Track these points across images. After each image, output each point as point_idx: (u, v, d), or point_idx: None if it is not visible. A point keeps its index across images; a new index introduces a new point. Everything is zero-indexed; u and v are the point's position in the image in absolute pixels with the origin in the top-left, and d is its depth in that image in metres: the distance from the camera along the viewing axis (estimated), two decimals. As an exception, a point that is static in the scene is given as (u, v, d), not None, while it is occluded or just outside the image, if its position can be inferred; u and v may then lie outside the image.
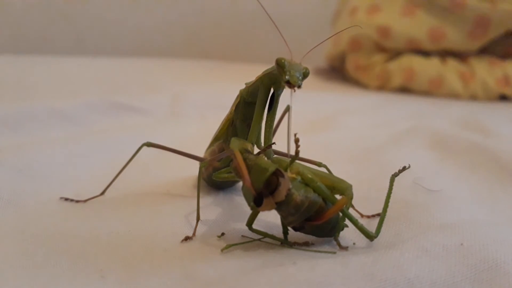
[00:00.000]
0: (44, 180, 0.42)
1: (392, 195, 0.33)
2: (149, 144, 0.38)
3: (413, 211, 0.36)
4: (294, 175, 0.30)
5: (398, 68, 1.02)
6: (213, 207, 0.38)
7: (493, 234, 0.30)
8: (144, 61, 1.22)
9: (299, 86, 0.31)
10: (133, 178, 0.43)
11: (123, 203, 0.38)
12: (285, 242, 0.31)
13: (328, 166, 0.35)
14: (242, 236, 0.32)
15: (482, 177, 0.46)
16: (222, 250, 0.30)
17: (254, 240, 0.31)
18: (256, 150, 0.35)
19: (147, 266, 0.28)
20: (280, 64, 0.31)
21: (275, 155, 0.35)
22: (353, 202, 0.34)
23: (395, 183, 0.33)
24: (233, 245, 0.30)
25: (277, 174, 0.29)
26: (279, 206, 0.29)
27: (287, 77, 0.31)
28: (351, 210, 0.34)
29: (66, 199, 0.38)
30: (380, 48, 1.05)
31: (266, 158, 0.33)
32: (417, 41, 1.00)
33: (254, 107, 0.35)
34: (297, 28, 1.27)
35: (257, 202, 0.29)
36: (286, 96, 0.34)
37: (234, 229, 0.33)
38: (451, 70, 0.99)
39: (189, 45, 1.50)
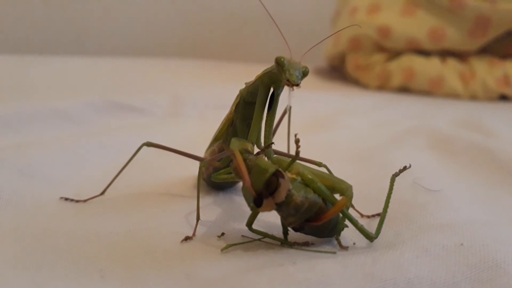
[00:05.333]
0: (44, 180, 0.42)
1: (392, 195, 0.33)
2: (149, 144, 0.38)
3: (413, 211, 0.36)
4: (294, 176, 0.30)
5: (398, 68, 1.02)
6: (213, 207, 0.38)
7: (493, 234, 0.30)
8: (144, 61, 1.22)
9: (298, 85, 0.31)
10: (133, 178, 0.43)
11: (123, 203, 0.38)
12: (285, 242, 0.31)
13: (328, 166, 0.35)
14: (242, 236, 0.32)
15: (482, 177, 0.46)
16: (222, 250, 0.30)
17: (254, 240, 0.31)
18: (256, 150, 0.35)
19: (147, 266, 0.28)
20: (279, 63, 0.31)
21: (275, 155, 0.35)
22: (353, 202, 0.34)
23: (395, 183, 0.33)
24: (233, 245, 0.30)
25: (277, 175, 0.29)
26: (279, 207, 0.29)
27: (286, 75, 0.31)
28: (351, 210, 0.34)
29: (66, 199, 0.38)
30: (380, 48, 1.05)
31: (266, 158, 0.33)
32: (417, 41, 1.00)
33: (254, 107, 0.35)
34: (297, 28, 1.27)
35: (257, 203, 0.29)
36: (286, 96, 0.34)
37: (234, 229, 0.33)
38: (451, 70, 0.99)
39: (189, 45, 1.50)
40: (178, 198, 0.40)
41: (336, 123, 0.70)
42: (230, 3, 1.49)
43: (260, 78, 0.34)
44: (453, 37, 0.98)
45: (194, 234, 0.32)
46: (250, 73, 0.37)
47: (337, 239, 0.31)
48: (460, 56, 1.01)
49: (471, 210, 0.37)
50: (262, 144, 0.35)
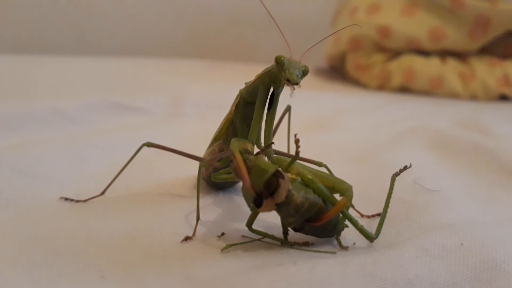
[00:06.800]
0: (44, 180, 0.42)
1: (392, 195, 0.33)
2: (149, 144, 0.38)
3: (413, 211, 0.36)
4: (294, 176, 0.30)
5: (398, 68, 1.02)
6: (213, 207, 0.38)
7: (493, 234, 0.30)
8: (144, 61, 1.22)
9: (298, 84, 0.31)
10: (133, 178, 0.43)
11: (123, 203, 0.38)
12: (285, 242, 0.31)
13: (328, 166, 0.35)
14: (242, 236, 0.32)
15: (482, 177, 0.46)
16: (222, 250, 0.30)
17: (254, 240, 0.31)
18: (256, 150, 0.35)
19: (147, 266, 0.28)
20: (279, 62, 0.31)
21: (275, 155, 0.35)
22: (353, 202, 0.34)
23: (395, 183, 0.33)
24: (233, 245, 0.30)
25: (277, 175, 0.29)
26: (279, 207, 0.29)
27: (286, 74, 0.31)
28: (351, 211, 0.34)
29: (66, 199, 0.38)
30: (380, 48, 1.05)
31: (266, 158, 0.33)
32: (417, 41, 1.00)
33: (254, 106, 0.35)
34: (297, 28, 1.27)
35: (257, 203, 0.29)
36: (286, 96, 0.34)
37: (234, 229, 0.33)
38: (451, 70, 0.99)
39: (189, 45, 1.50)
40: (178, 198, 0.40)
41: (336, 123, 0.70)
42: (230, 3, 1.49)
43: (260, 78, 0.34)
44: (453, 37, 0.98)
45: (194, 234, 0.32)
46: (250, 73, 0.37)
47: (337, 239, 0.31)
48: (460, 56, 1.01)
49: (471, 210, 0.37)
50: (262, 144, 0.35)
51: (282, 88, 0.34)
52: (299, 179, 0.30)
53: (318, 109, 0.79)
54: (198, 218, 0.33)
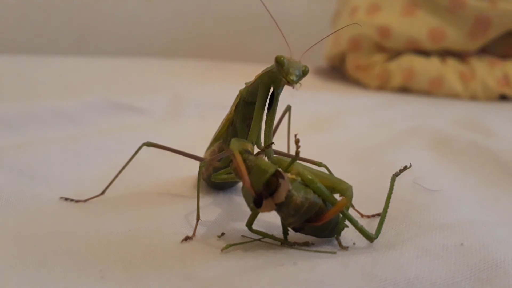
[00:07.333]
0: (44, 180, 0.42)
1: (392, 195, 0.33)
2: (149, 144, 0.38)
3: (413, 211, 0.36)
4: (294, 176, 0.30)
5: (398, 68, 1.02)
6: (213, 207, 0.38)
7: (493, 234, 0.30)
8: (144, 61, 1.22)
9: (297, 83, 0.31)
10: (133, 178, 0.43)
11: (123, 203, 0.38)
12: (285, 242, 0.31)
13: (328, 166, 0.35)
14: (242, 236, 0.32)
15: (482, 177, 0.46)
16: (222, 250, 0.30)
17: (254, 240, 0.31)
18: (256, 150, 0.35)
19: (147, 266, 0.28)
20: (279, 62, 0.31)
21: (275, 155, 0.35)
22: (353, 202, 0.34)
23: (395, 183, 0.33)
24: (233, 245, 0.30)
25: (277, 175, 0.29)
26: (279, 207, 0.29)
27: (286, 74, 0.31)
28: (351, 211, 0.34)
29: (66, 199, 0.38)
30: (380, 48, 1.05)
31: (266, 158, 0.33)
32: (417, 41, 1.00)
33: (254, 106, 0.35)
34: (297, 28, 1.27)
35: (257, 203, 0.29)
36: (286, 96, 0.34)
37: (234, 229, 0.33)
38: (451, 70, 0.99)
39: (189, 45, 1.50)
40: (178, 198, 0.40)
41: (336, 123, 0.70)
42: (230, 3, 1.49)
43: (260, 78, 0.34)
44: (453, 37, 0.98)
45: (194, 234, 0.32)
46: (250, 73, 0.37)
47: (337, 239, 0.31)
48: (460, 56, 1.01)
49: (471, 210, 0.37)
50: (262, 144, 0.35)
51: (282, 88, 0.34)
52: (299, 179, 0.30)
53: (318, 109, 0.79)
54: (198, 218, 0.33)
